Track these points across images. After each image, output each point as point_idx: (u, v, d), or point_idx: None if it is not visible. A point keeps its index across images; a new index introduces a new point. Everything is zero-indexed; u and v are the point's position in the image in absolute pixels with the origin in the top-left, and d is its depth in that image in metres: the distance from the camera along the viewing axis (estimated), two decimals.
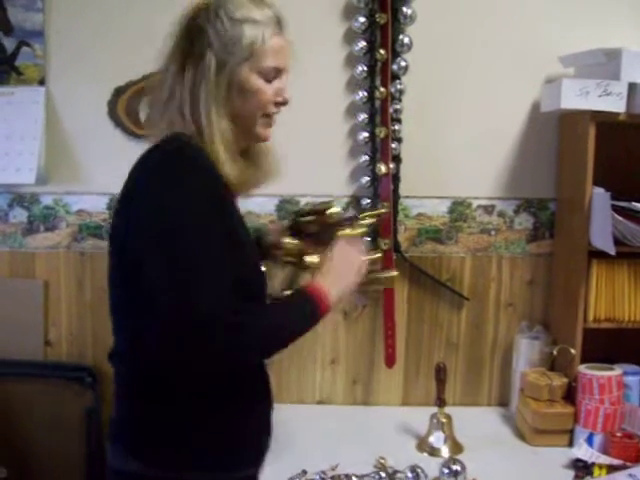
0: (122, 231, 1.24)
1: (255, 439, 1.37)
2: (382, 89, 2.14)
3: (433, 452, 1.94)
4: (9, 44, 2.18)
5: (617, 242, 1.90)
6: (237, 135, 1.31)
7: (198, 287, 1.12)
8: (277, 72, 1.32)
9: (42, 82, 2.19)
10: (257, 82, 1.30)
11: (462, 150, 2.23)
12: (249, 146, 1.42)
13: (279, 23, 1.32)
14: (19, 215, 2.25)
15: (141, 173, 1.24)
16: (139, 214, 1.20)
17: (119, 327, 1.32)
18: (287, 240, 1.57)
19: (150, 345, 1.18)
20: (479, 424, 2.14)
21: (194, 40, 1.27)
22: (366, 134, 2.17)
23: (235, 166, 1.28)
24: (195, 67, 1.26)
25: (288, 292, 1.43)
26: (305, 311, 1.28)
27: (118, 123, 2.19)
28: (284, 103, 1.36)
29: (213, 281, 1.14)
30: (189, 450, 1.27)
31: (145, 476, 1.27)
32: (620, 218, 1.92)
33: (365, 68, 2.14)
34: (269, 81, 1.31)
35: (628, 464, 1.78)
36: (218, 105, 1.26)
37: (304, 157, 2.18)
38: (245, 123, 1.33)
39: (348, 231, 1.52)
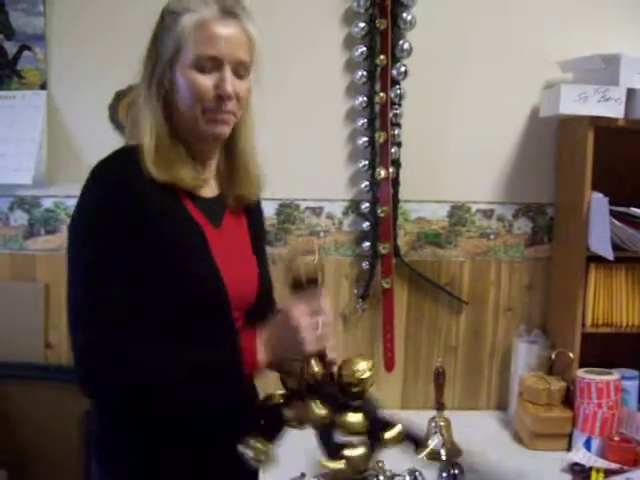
0: None
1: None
2: (382, 94, 2.15)
3: (432, 456, 1.94)
4: (10, 48, 2.19)
5: (615, 247, 1.91)
6: (182, 135, 1.24)
7: (79, 317, 1.14)
8: (215, 62, 1.19)
9: (43, 86, 2.20)
10: (190, 74, 1.19)
11: (461, 155, 2.24)
12: (230, 156, 1.34)
13: (224, 11, 1.19)
14: (20, 218, 2.25)
15: None
16: None
17: None
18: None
19: None
20: (478, 428, 2.14)
21: (149, 45, 1.26)
22: (366, 139, 2.18)
23: (166, 168, 1.19)
24: (144, 69, 1.25)
25: None
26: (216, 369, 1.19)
27: (119, 127, 2.20)
28: (224, 97, 1.20)
29: (94, 311, 1.13)
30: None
31: None
32: (618, 223, 1.93)
33: (365, 73, 2.15)
34: (204, 72, 1.19)
35: (625, 468, 1.79)
36: (152, 104, 1.22)
37: (303, 161, 2.19)
38: (187, 121, 1.22)
39: None
